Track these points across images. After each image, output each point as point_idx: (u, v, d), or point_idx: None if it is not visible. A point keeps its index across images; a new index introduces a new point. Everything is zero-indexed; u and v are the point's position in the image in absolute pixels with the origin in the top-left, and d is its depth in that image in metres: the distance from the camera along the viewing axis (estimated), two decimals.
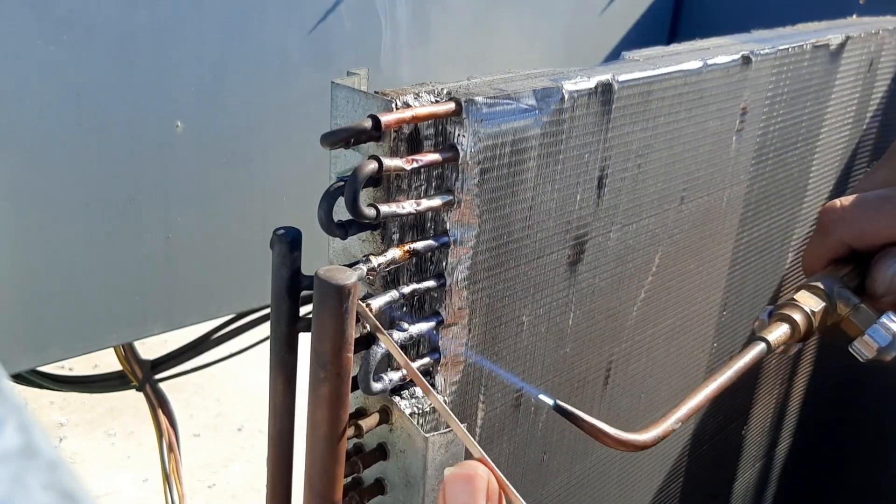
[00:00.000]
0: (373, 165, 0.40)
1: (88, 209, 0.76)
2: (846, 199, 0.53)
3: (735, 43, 0.64)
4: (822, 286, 0.51)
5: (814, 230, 0.55)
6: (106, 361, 1.34)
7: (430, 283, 0.46)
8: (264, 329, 1.19)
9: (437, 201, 0.44)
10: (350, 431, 0.46)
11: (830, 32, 0.72)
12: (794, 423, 1.00)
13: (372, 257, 0.42)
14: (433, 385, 0.49)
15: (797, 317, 0.49)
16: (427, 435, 0.45)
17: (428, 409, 0.48)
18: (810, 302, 0.50)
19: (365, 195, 0.43)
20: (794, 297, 0.51)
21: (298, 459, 0.44)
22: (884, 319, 0.49)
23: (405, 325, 0.45)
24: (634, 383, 0.69)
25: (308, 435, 0.42)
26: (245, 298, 0.93)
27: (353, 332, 0.40)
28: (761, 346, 0.48)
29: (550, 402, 0.42)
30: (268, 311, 0.87)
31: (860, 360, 0.50)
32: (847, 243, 0.53)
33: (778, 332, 0.49)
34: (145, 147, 0.78)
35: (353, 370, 0.42)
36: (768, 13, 1.19)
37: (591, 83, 0.50)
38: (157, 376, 1.22)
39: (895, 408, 1.00)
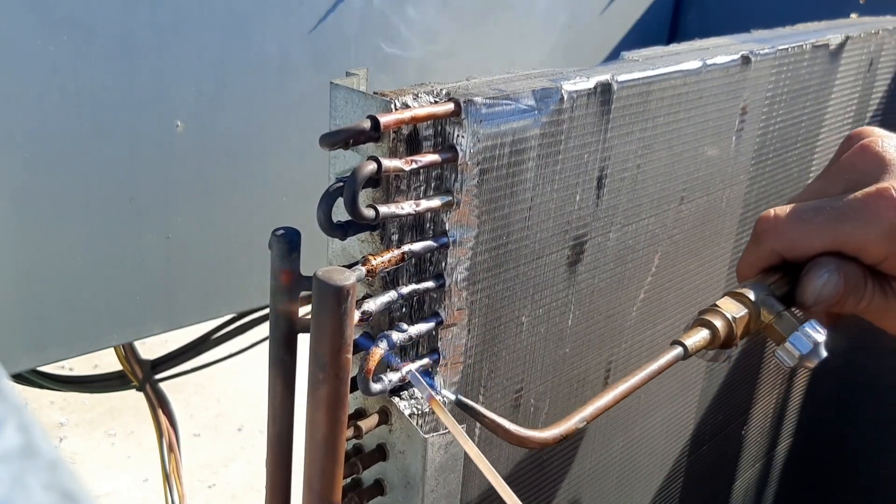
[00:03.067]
0: (372, 166, 0.40)
1: (88, 209, 0.76)
2: (780, 209, 0.54)
3: (734, 43, 0.64)
4: (747, 293, 0.51)
5: (749, 240, 0.56)
6: (106, 361, 1.34)
7: (430, 284, 0.46)
8: (264, 329, 1.19)
9: (436, 202, 0.44)
10: (349, 432, 0.46)
11: (830, 32, 0.72)
12: (794, 423, 1.00)
13: (370, 258, 0.42)
14: (432, 386, 0.49)
15: (718, 322, 0.50)
16: (426, 436, 0.45)
17: (427, 410, 0.48)
18: (732, 308, 0.51)
19: (364, 196, 0.43)
20: (717, 303, 0.51)
21: (298, 460, 0.44)
22: (806, 327, 0.50)
23: (404, 326, 0.45)
24: None
25: (307, 436, 0.42)
26: (245, 298, 0.93)
27: (352, 333, 0.40)
28: (678, 350, 0.49)
29: (452, 396, 0.43)
30: (268, 311, 0.87)
31: (784, 366, 0.51)
32: (778, 252, 0.54)
33: (696, 337, 0.49)
34: (145, 147, 0.78)
35: (353, 371, 0.42)
36: (768, 13, 1.19)
37: (590, 83, 0.50)
38: (157, 376, 1.22)
39: (895, 407, 1.00)
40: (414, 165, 0.42)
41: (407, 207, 0.42)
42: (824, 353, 0.50)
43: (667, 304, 0.68)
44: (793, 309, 0.52)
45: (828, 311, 0.53)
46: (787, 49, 0.65)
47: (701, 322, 0.50)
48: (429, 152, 0.43)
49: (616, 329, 0.63)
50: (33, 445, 0.17)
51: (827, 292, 0.51)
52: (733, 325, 0.50)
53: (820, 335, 0.50)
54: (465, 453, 0.47)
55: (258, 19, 0.82)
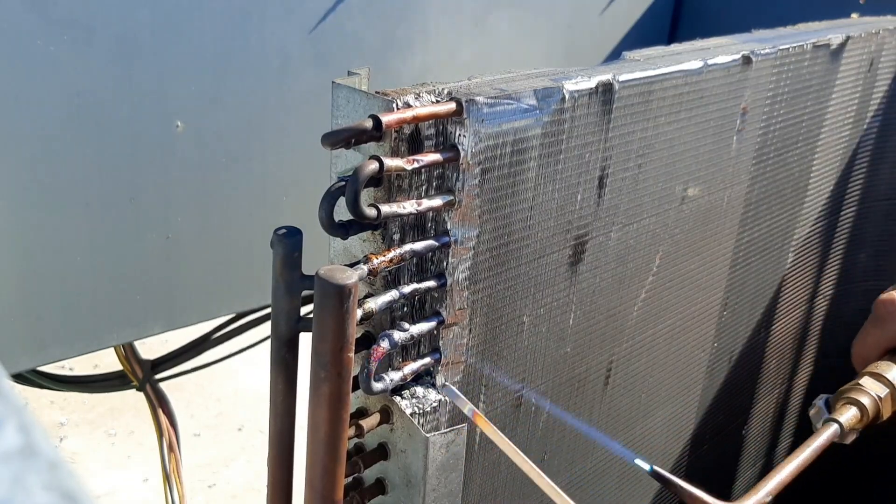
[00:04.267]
0: (374, 165, 0.40)
1: (88, 209, 0.76)
2: None
3: (735, 43, 0.64)
4: (886, 374, 0.52)
5: (868, 321, 0.56)
6: (106, 361, 1.34)
7: (431, 283, 0.46)
8: (264, 329, 1.19)
9: (437, 201, 0.44)
10: (351, 431, 0.46)
11: (831, 32, 0.72)
12: (794, 423, 1.00)
13: (372, 257, 0.42)
14: (433, 385, 0.49)
15: (865, 400, 0.51)
16: (428, 435, 0.45)
17: (429, 409, 0.48)
18: (876, 387, 0.51)
19: (366, 195, 0.43)
20: (860, 382, 0.52)
21: (299, 459, 0.44)
22: None
23: (406, 325, 0.45)
24: (635, 383, 0.68)
25: (309, 435, 0.42)
26: (245, 298, 0.93)
27: (354, 332, 0.40)
28: (833, 427, 0.50)
29: (647, 467, 0.43)
30: (268, 311, 0.87)
31: None
32: None
33: (848, 415, 0.51)
34: (145, 147, 0.78)
35: (354, 370, 0.42)
36: (768, 13, 1.19)
37: (591, 83, 0.50)
38: (158, 376, 1.21)
39: None
40: (416, 165, 0.41)
41: (409, 207, 0.42)
42: None
43: (668, 303, 0.68)
44: None
45: None
46: (788, 49, 0.65)
47: (848, 400, 0.51)
48: (430, 152, 0.43)
49: (617, 328, 0.63)
50: (33, 445, 0.16)
51: None
52: (879, 403, 0.51)
53: None
54: (465, 451, 0.47)
55: (258, 19, 0.82)
